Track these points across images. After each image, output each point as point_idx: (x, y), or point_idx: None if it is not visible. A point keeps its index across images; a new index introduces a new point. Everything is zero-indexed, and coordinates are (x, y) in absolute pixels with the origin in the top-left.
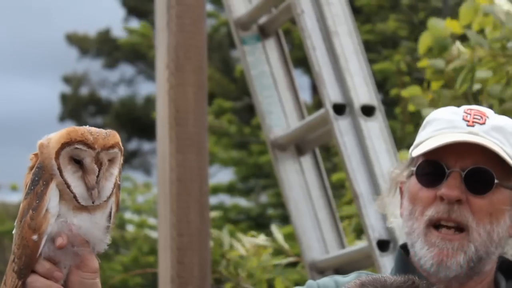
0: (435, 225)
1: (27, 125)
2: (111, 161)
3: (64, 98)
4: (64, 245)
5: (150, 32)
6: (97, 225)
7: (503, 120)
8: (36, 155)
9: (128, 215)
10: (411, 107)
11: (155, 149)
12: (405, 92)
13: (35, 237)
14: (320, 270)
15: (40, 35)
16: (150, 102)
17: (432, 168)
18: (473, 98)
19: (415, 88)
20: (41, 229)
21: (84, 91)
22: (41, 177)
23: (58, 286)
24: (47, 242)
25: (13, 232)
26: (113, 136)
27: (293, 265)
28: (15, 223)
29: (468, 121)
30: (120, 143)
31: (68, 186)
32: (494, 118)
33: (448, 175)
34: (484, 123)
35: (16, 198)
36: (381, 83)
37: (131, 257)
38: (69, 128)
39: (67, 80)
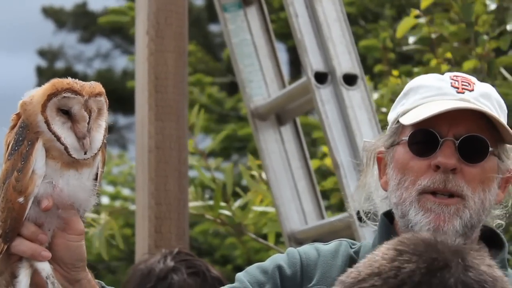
0: (431, 192)
1: (1, 98)
2: (99, 112)
3: (40, 72)
4: (50, 207)
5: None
6: (83, 186)
7: (487, 86)
8: (18, 115)
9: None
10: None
11: (131, 124)
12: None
13: (21, 199)
14: (299, 241)
15: (16, 8)
16: (126, 75)
17: (424, 137)
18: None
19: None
20: (27, 191)
21: (60, 65)
22: (25, 137)
23: (43, 249)
24: (32, 205)
25: None
26: (98, 85)
27: None
28: None
29: (458, 87)
30: (105, 94)
31: (59, 138)
32: (480, 85)
33: (442, 144)
34: (473, 90)
35: None
36: (364, 58)
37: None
38: (53, 80)
39: (42, 53)
